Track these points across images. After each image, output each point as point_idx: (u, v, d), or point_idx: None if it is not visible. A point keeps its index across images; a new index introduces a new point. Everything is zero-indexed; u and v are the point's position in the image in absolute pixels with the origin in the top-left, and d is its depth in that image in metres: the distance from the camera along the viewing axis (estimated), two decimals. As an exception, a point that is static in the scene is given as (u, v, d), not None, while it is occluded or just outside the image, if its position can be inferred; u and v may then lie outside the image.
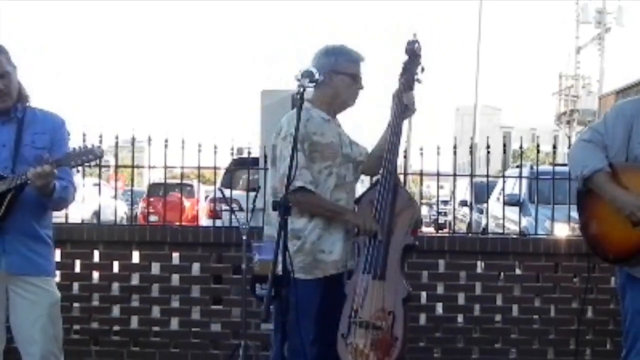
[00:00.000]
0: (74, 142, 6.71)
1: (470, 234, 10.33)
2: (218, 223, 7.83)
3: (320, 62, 4.82)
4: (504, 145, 10.19)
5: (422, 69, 4.98)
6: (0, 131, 4.45)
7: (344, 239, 4.84)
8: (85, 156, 4.26)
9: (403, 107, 4.89)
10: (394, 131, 4.88)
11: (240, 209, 7.62)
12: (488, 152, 7.54)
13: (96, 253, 7.09)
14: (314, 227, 4.74)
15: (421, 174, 7.94)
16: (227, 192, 7.39)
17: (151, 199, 16.92)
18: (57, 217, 6.51)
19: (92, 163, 4.49)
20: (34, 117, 4.53)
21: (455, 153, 7.55)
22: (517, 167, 10.80)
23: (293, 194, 4.56)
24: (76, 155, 4.27)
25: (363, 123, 5.22)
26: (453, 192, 10.88)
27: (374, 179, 5.21)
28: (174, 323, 7.08)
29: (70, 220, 7.21)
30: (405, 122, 4.96)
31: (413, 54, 4.96)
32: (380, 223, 4.75)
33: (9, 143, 4.42)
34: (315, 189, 4.71)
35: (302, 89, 4.38)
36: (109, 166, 10.00)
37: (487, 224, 11.85)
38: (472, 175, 8.49)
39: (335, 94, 4.89)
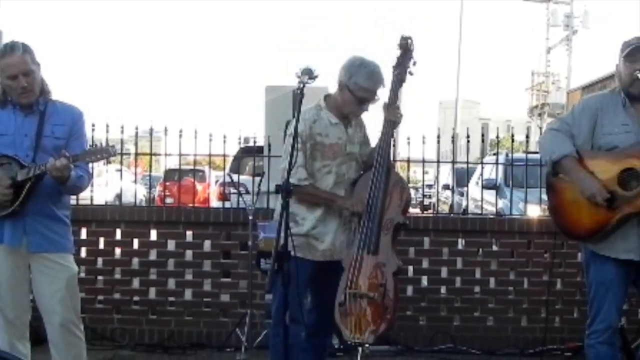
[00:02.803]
0: (98, 132, 6.77)
1: (452, 215, 10.32)
2: (227, 205, 7.82)
3: (340, 72, 4.80)
4: (482, 135, 10.14)
5: (414, 63, 4.95)
6: (23, 123, 4.42)
7: (336, 232, 4.84)
8: (100, 154, 4.25)
9: (389, 123, 4.87)
10: (384, 137, 4.86)
11: (247, 192, 7.61)
12: (468, 142, 7.53)
13: (118, 231, 7.10)
14: (311, 217, 4.76)
15: (408, 161, 7.95)
16: (235, 177, 7.39)
17: (167, 183, 16.95)
18: (83, 199, 6.55)
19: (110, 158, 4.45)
20: (54, 109, 4.50)
21: (438, 142, 7.53)
22: (494, 154, 10.82)
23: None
24: (92, 153, 4.25)
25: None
26: (437, 177, 10.84)
27: None
28: (188, 294, 7.08)
29: (95, 202, 7.22)
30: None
31: (406, 48, 4.92)
32: (374, 204, 4.74)
33: (30, 134, 4.40)
34: (314, 182, 4.75)
35: (302, 85, 4.37)
36: (129, 154, 9.97)
37: (467, 206, 11.90)
38: (453, 162, 8.48)
39: (342, 104, 4.81)
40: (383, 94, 4.90)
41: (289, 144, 4.73)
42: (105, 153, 4.28)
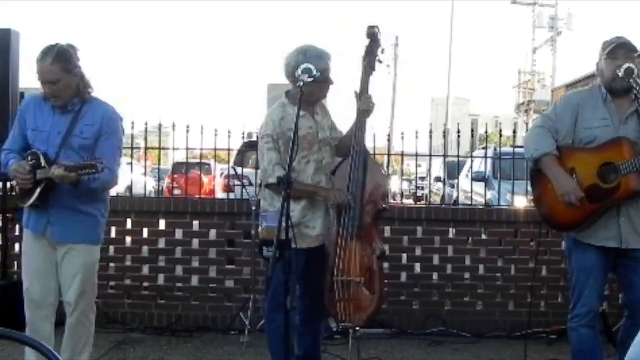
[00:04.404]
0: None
1: (443, 205, 10.35)
2: (231, 196, 7.83)
3: (293, 68, 4.61)
4: (472, 131, 10.17)
5: (382, 50, 4.87)
6: (59, 121, 4.41)
7: (324, 216, 4.81)
8: (88, 169, 4.13)
9: (362, 112, 4.80)
10: (358, 125, 4.78)
11: (250, 184, 7.60)
12: (458, 136, 7.54)
13: (129, 221, 7.11)
14: (300, 208, 4.69)
15: (402, 154, 7.94)
16: (239, 169, 7.39)
17: (175, 176, 16.92)
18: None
19: (97, 169, 4.33)
20: (88, 109, 4.45)
21: (431, 137, 7.54)
22: (483, 148, 10.81)
23: (271, 187, 4.60)
24: (81, 167, 4.13)
25: (340, 112, 5.15)
26: (429, 170, 10.89)
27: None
28: (194, 280, 7.09)
29: (107, 194, 7.21)
30: (388, 112, 4.91)
31: (373, 37, 4.84)
32: (354, 192, 4.70)
33: (62, 131, 4.39)
34: (296, 176, 4.60)
35: (301, 83, 4.36)
36: (139, 148, 9.96)
37: (457, 197, 11.89)
38: (445, 156, 8.49)
39: (310, 94, 4.63)
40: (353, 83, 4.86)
41: (261, 146, 4.71)
42: (93, 168, 4.14)
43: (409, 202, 17.76)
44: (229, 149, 7.60)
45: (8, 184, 6.70)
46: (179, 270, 7.10)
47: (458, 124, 8.32)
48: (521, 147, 5.22)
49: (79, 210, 4.46)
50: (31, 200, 4.37)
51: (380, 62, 4.88)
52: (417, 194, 19.13)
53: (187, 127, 7.23)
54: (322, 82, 4.69)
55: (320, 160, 4.82)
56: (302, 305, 4.80)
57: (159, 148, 7.82)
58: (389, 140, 8.63)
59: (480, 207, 7.81)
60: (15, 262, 6.92)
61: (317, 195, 4.76)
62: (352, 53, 4.90)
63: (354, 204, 4.70)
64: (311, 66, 4.41)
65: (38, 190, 4.33)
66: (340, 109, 5.20)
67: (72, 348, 4.56)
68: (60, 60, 4.31)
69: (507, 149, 10.10)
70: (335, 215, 4.81)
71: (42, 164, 4.30)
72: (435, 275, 7.10)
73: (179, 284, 7.05)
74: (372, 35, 4.85)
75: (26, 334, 4.08)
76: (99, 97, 4.59)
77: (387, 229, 6.95)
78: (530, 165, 4.61)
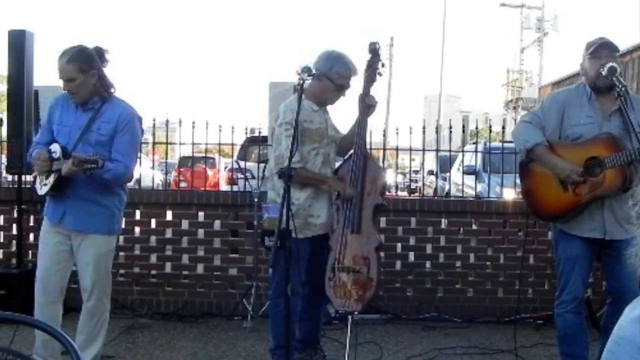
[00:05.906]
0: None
1: (436, 197, 10.34)
2: (235, 188, 7.82)
3: (320, 64, 4.82)
4: (463, 127, 10.12)
5: (382, 65, 4.97)
6: (80, 117, 4.46)
7: (329, 205, 4.86)
8: (92, 164, 4.13)
9: (367, 107, 4.88)
10: (361, 124, 4.86)
11: (253, 177, 7.61)
12: (450, 132, 7.52)
13: (137, 212, 7.09)
14: (305, 196, 4.75)
15: (397, 149, 7.94)
16: (242, 163, 7.39)
17: (181, 169, 16.90)
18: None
19: (94, 166, 4.33)
20: (108, 107, 4.48)
21: (424, 132, 7.53)
22: (474, 143, 10.81)
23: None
24: (87, 161, 4.14)
25: (344, 113, 5.23)
26: (422, 164, 10.89)
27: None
28: (200, 268, 7.09)
29: (117, 186, 7.20)
30: (384, 109, 4.95)
31: (374, 52, 4.94)
32: (355, 188, 4.75)
33: (82, 127, 4.43)
34: (305, 165, 4.73)
35: (301, 82, 4.39)
36: (147, 143, 9.94)
37: (449, 189, 11.88)
38: (437, 150, 8.48)
39: (322, 92, 4.86)
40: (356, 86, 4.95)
41: (280, 133, 4.74)
42: (95, 163, 4.15)
43: (404, 194, 17.76)
44: (232, 144, 7.59)
45: (23, 177, 6.72)
46: (185, 259, 7.10)
47: (450, 120, 8.30)
48: (510, 142, 5.22)
49: (94, 201, 4.48)
50: (46, 189, 4.43)
51: (380, 74, 4.99)
52: (411, 187, 19.17)
53: (193, 123, 7.24)
54: (338, 87, 4.85)
55: (327, 154, 4.90)
56: (306, 292, 4.82)
57: (167, 143, 7.81)
58: (384, 135, 8.63)
59: (471, 199, 7.80)
60: (30, 252, 6.93)
61: (326, 184, 4.82)
62: (351, 53, 4.94)
63: (354, 199, 4.74)
64: (310, 65, 4.44)
65: (52, 180, 4.38)
66: (343, 110, 5.25)
67: (88, 332, 4.60)
68: (75, 60, 4.34)
69: (496, 144, 10.13)
70: (339, 208, 4.85)
71: (59, 157, 4.31)
72: (428, 264, 7.10)
73: (185, 272, 7.05)
74: (374, 50, 4.96)
75: (35, 318, 4.10)
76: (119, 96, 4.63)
77: (383, 219, 6.95)
78: (522, 157, 4.60)
